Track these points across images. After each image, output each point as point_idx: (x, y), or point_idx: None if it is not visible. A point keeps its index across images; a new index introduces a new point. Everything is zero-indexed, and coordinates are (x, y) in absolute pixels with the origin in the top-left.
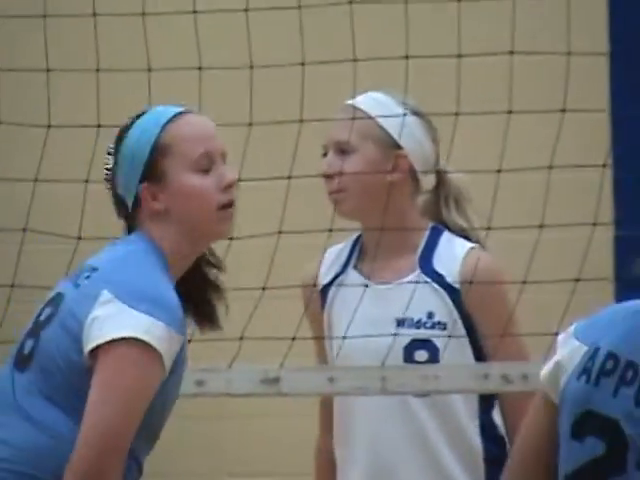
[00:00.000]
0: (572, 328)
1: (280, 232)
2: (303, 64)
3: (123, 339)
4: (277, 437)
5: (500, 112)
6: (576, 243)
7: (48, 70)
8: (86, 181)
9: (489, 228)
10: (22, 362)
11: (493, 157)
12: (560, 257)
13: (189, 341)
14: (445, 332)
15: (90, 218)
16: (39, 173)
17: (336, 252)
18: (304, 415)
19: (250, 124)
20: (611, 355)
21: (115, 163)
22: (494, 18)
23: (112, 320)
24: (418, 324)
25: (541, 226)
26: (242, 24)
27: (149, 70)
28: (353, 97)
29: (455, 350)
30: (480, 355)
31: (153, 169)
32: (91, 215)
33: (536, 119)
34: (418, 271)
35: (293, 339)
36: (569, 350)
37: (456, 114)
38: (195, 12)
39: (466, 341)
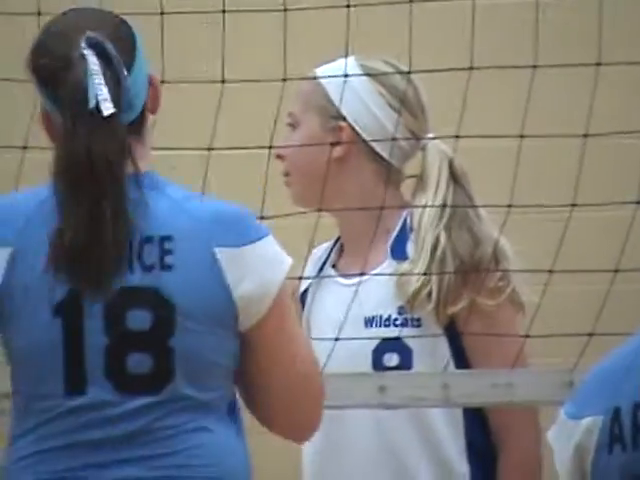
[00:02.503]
0: (563, 416)
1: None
2: (349, 6)
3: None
4: None
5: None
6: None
7: None
8: None
9: (510, 206)
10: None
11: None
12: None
13: None
14: (420, 329)
15: None
16: None
17: (322, 250)
18: None
19: (284, 80)
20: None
21: None
22: None
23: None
24: (387, 321)
25: (574, 205)
26: None
27: (162, 13)
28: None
29: (427, 350)
30: (462, 360)
31: None
32: None
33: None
34: (389, 260)
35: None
36: (582, 431)
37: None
38: None
39: (443, 341)
